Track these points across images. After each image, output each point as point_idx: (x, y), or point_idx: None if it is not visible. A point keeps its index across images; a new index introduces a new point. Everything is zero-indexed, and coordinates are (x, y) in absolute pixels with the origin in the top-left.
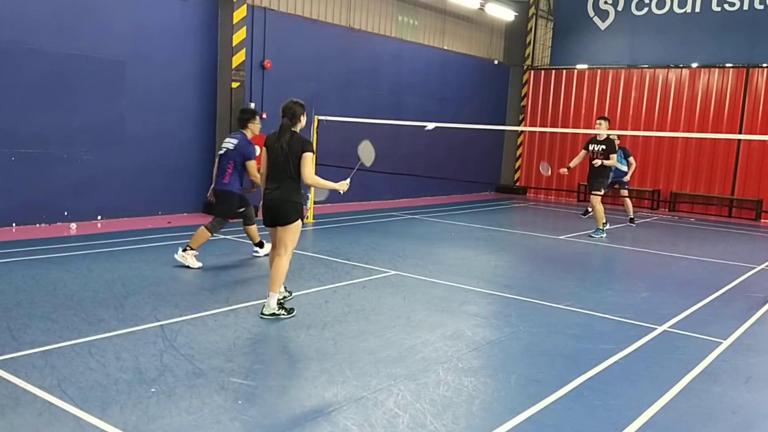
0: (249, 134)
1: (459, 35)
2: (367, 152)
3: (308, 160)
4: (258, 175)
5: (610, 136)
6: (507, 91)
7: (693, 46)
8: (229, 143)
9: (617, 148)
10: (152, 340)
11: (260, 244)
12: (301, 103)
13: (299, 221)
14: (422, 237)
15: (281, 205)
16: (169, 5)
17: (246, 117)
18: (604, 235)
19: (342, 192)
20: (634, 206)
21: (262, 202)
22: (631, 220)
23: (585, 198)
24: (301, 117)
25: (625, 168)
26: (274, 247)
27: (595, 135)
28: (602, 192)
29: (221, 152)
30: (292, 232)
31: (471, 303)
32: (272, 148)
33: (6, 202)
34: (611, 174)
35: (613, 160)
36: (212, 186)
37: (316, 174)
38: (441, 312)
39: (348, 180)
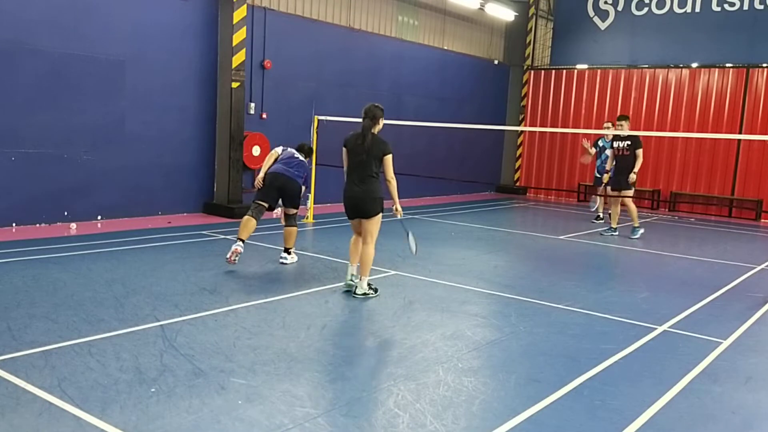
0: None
1: (459, 35)
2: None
3: (390, 162)
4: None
5: (633, 134)
6: (507, 91)
7: (693, 46)
8: (301, 156)
9: (641, 143)
10: (152, 340)
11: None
12: (381, 107)
13: (380, 214)
14: (422, 237)
15: (365, 203)
16: (169, 5)
17: (310, 151)
18: (642, 230)
19: (395, 213)
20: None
21: (344, 196)
22: (598, 217)
23: (585, 198)
24: (380, 120)
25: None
26: (357, 233)
27: (618, 134)
28: (632, 191)
29: (294, 155)
30: (375, 223)
31: (471, 303)
32: (353, 148)
33: (6, 202)
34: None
35: (640, 156)
36: (280, 172)
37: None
38: (441, 312)
39: (402, 212)
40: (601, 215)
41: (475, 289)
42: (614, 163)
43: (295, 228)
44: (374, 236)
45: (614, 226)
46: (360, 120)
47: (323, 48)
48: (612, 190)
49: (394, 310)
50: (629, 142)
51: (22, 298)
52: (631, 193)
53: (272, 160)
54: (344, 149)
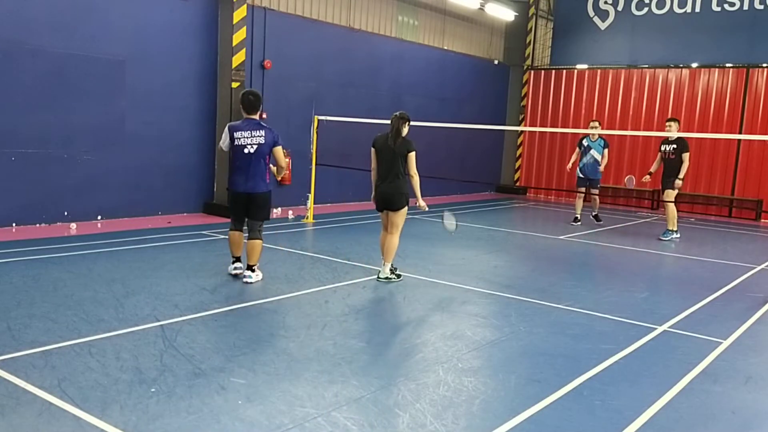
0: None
1: (459, 35)
2: (449, 222)
3: (413, 159)
4: (285, 163)
5: (681, 137)
6: (507, 91)
7: (693, 46)
8: (258, 137)
9: (687, 147)
10: (152, 340)
11: (239, 259)
12: (407, 113)
13: (406, 207)
14: (422, 237)
15: (393, 197)
16: (169, 5)
17: (259, 102)
18: (673, 237)
19: (420, 207)
20: (634, 207)
21: (375, 191)
22: (596, 217)
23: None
24: (408, 123)
25: (599, 158)
26: (384, 228)
27: (666, 136)
28: (675, 192)
29: (251, 150)
30: (400, 216)
31: (471, 303)
32: (382, 148)
33: (6, 202)
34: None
35: (686, 160)
36: (241, 191)
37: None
38: (441, 312)
39: (426, 207)
40: (579, 217)
41: (475, 289)
42: (661, 166)
43: (259, 241)
44: (399, 228)
45: (674, 228)
46: (359, 120)
47: (323, 48)
48: (662, 192)
49: (394, 310)
50: (675, 146)
51: (22, 298)
52: (672, 196)
53: (226, 149)
54: (373, 149)
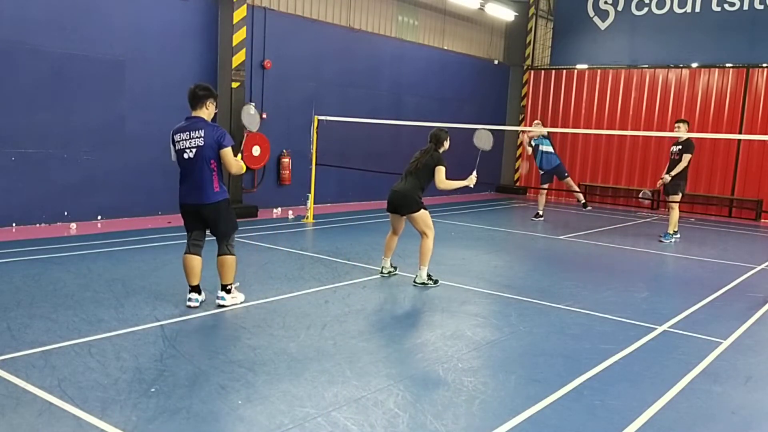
0: (207, 117)
1: (459, 35)
2: (483, 139)
3: (440, 172)
4: (240, 166)
5: (690, 139)
6: (507, 91)
7: (693, 46)
8: (197, 138)
9: (691, 149)
10: (152, 340)
11: (197, 289)
12: (446, 130)
13: (422, 210)
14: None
15: (403, 199)
16: (169, 5)
17: (206, 96)
18: (673, 240)
19: (472, 185)
20: (634, 207)
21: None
22: (584, 205)
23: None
24: (444, 142)
25: (551, 149)
26: (393, 232)
27: (678, 137)
28: (680, 196)
29: (191, 154)
30: (422, 219)
31: (471, 303)
32: (413, 157)
33: (6, 202)
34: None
35: (685, 161)
36: (188, 202)
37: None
38: (441, 312)
39: (474, 173)
40: (541, 212)
41: (475, 289)
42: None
43: (229, 257)
44: (426, 231)
45: (674, 230)
46: (359, 120)
47: (323, 48)
48: (665, 194)
49: (393, 310)
50: (681, 147)
51: (22, 297)
52: (678, 198)
53: (174, 158)
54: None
